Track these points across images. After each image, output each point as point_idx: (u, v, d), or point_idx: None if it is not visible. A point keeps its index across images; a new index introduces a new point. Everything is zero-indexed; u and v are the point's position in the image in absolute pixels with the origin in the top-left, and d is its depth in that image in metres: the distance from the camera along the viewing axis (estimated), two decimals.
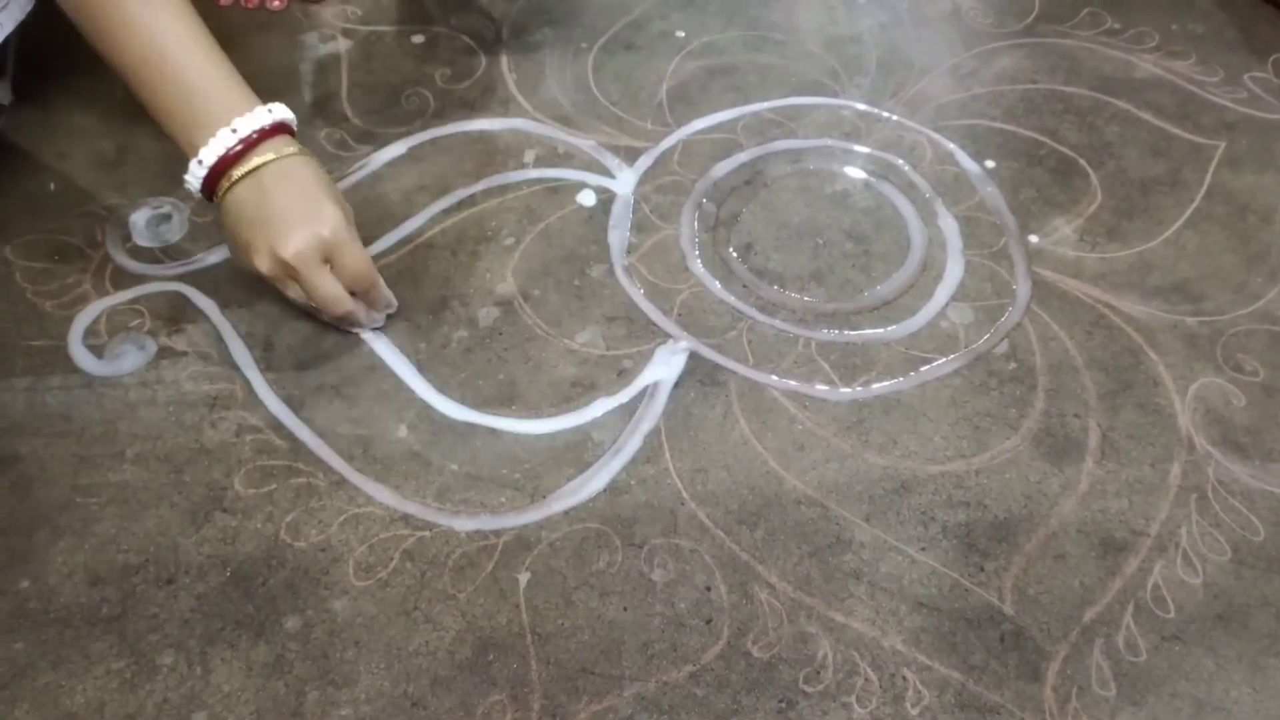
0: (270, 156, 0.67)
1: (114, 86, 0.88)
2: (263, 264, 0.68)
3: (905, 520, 0.66)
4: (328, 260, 0.68)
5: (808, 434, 0.70)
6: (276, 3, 0.98)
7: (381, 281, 0.73)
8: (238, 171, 0.67)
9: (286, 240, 0.66)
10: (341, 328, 0.74)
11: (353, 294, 0.70)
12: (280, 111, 0.69)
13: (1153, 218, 0.85)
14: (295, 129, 0.71)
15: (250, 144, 0.67)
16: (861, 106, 0.93)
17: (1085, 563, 0.65)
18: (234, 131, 0.66)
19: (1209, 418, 0.72)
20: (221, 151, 0.66)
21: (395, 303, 0.75)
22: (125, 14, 0.67)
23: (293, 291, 0.70)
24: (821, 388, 0.73)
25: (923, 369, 0.74)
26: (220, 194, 0.68)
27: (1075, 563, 0.64)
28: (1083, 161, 0.89)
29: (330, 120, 0.88)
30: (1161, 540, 0.66)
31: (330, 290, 0.68)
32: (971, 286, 0.79)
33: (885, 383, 0.73)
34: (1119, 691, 0.59)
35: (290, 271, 0.67)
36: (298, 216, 0.67)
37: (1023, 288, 0.79)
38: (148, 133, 0.85)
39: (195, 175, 0.68)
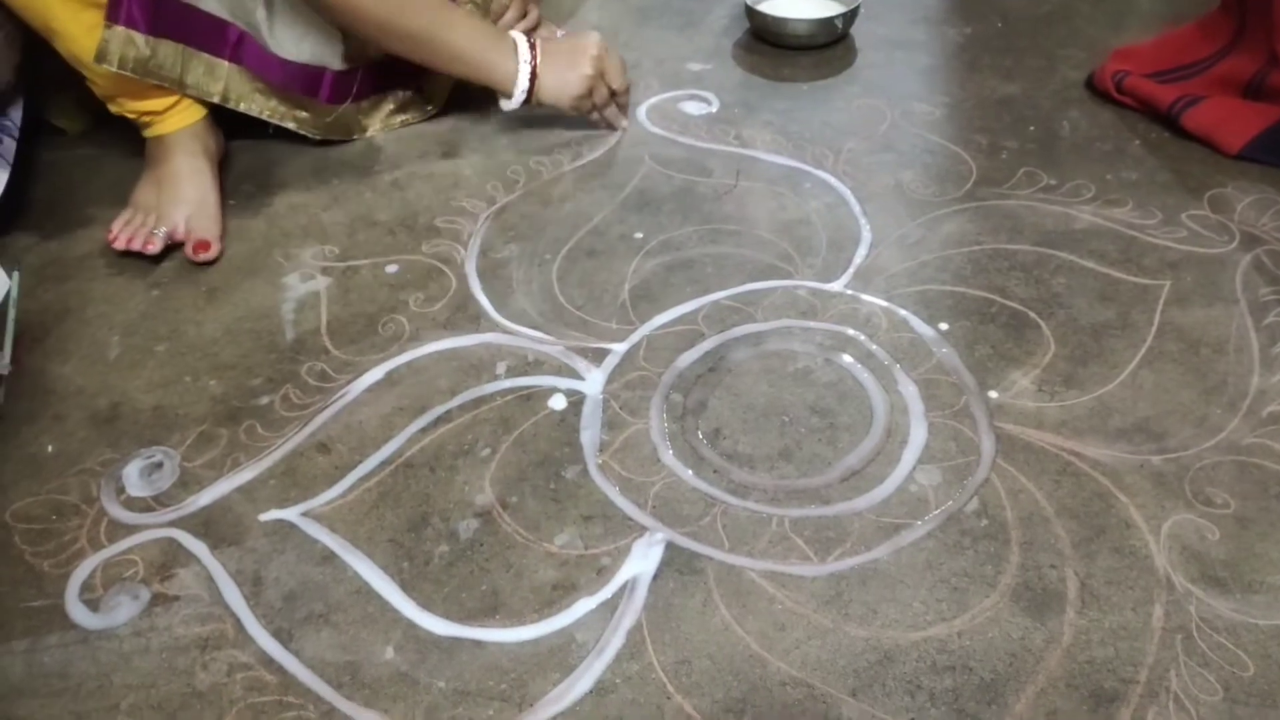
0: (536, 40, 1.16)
1: (105, 348, 0.94)
2: (587, 76, 1.17)
3: (892, 692, 0.66)
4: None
5: (788, 613, 0.71)
6: (151, 246, 1.03)
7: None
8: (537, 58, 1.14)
9: (588, 62, 1.17)
10: (603, 123, 1.23)
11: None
12: (515, 32, 1.17)
13: (1107, 361, 0.87)
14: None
15: (531, 45, 1.15)
16: (816, 285, 0.97)
17: (1078, 717, 0.64)
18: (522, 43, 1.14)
19: (1185, 555, 0.72)
20: (529, 58, 1.14)
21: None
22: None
23: (597, 92, 1.19)
24: (798, 565, 0.74)
25: (896, 535, 0.75)
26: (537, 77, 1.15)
27: (1068, 718, 0.64)
28: (1033, 314, 0.92)
29: (312, 354, 0.93)
30: (1152, 686, 0.65)
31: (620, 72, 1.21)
32: (937, 448, 0.81)
33: (861, 554, 0.74)
34: None
35: (600, 68, 1.18)
36: (575, 54, 1.17)
37: (987, 444, 0.81)
38: (139, 387, 0.90)
39: (522, 84, 1.14)
